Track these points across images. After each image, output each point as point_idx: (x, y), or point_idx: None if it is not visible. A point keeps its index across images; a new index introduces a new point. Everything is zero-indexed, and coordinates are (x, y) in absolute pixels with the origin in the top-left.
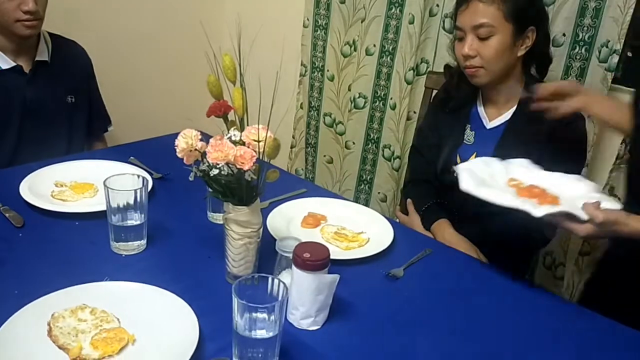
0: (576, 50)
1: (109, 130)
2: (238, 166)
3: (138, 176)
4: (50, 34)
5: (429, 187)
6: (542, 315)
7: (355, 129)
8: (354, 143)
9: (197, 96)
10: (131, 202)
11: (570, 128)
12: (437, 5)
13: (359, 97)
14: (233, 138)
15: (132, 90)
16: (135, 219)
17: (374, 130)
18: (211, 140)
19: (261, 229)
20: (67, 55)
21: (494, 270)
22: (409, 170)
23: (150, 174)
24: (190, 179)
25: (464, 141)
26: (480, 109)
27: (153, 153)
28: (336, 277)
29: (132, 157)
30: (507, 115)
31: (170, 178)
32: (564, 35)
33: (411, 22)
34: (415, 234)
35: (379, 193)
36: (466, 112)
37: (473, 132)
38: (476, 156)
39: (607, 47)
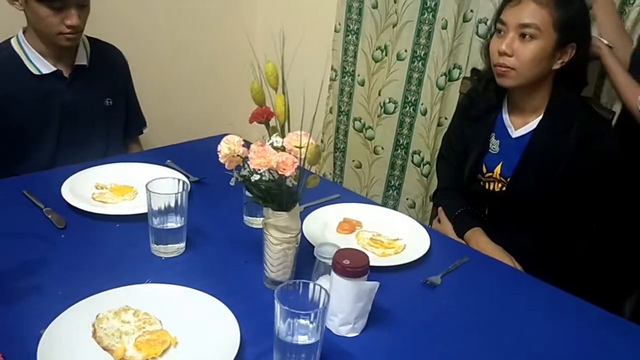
0: None
1: (143, 132)
2: (280, 172)
3: (178, 180)
4: (89, 38)
5: (458, 194)
6: (582, 326)
7: (385, 134)
8: (382, 148)
9: (231, 100)
10: (172, 205)
11: (597, 140)
12: (472, 11)
13: (389, 102)
14: (275, 144)
15: (168, 93)
16: (175, 222)
17: (404, 136)
18: (253, 146)
19: (299, 235)
20: (106, 59)
21: (532, 280)
22: (439, 176)
23: (187, 177)
24: (232, 184)
25: (490, 150)
26: (505, 117)
27: (189, 156)
28: (376, 284)
29: (169, 160)
30: (532, 125)
31: (207, 182)
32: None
33: (444, 28)
34: (451, 242)
35: (407, 199)
36: (491, 119)
37: (498, 140)
38: (502, 166)
39: None
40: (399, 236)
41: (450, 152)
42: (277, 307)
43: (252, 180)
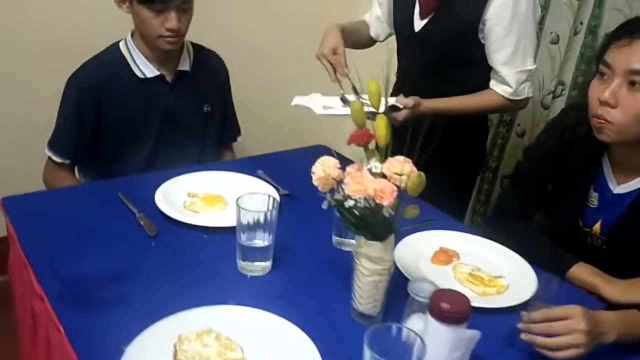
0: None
1: (237, 140)
2: (377, 201)
3: (269, 196)
4: (193, 45)
5: (530, 225)
6: None
7: None
8: None
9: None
10: (260, 222)
11: None
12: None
13: None
14: (373, 170)
15: (262, 102)
16: (263, 239)
17: (494, 159)
18: (348, 169)
19: (393, 266)
20: (207, 66)
21: None
22: (510, 197)
23: (277, 189)
24: (324, 207)
25: (588, 203)
26: (607, 169)
27: (280, 167)
28: (477, 333)
29: (260, 171)
30: (638, 183)
31: (297, 195)
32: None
33: (554, 43)
34: (561, 284)
35: None
36: (591, 171)
37: (597, 193)
38: (601, 224)
39: None
40: (501, 273)
41: (533, 176)
42: (367, 351)
43: (346, 206)
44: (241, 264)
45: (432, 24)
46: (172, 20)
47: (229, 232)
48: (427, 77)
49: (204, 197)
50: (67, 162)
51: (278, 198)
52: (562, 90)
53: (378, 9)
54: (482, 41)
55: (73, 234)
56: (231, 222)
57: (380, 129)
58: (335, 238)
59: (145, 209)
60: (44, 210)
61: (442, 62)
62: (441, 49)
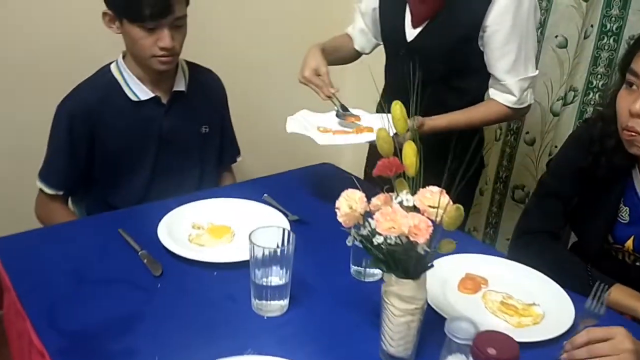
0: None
1: (237, 161)
2: (412, 238)
3: (284, 230)
4: (188, 63)
5: (560, 244)
6: None
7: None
8: (486, 183)
9: None
10: (277, 258)
11: None
12: (592, 26)
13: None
14: (405, 203)
15: (259, 120)
16: (280, 277)
17: (503, 168)
18: (375, 201)
19: (425, 304)
20: (203, 85)
21: None
22: (536, 215)
23: (286, 214)
24: (349, 244)
25: (619, 218)
26: (637, 182)
27: (286, 189)
28: None
29: (265, 195)
30: None
31: (307, 220)
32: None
33: (562, 47)
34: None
35: (507, 239)
36: (623, 184)
37: (627, 208)
38: (634, 240)
39: None
40: (534, 300)
41: (559, 191)
42: None
43: (375, 243)
44: (256, 303)
45: (426, 32)
46: (165, 38)
47: (239, 266)
48: (422, 88)
49: (209, 228)
50: (60, 193)
51: (288, 225)
52: (574, 97)
53: (361, 22)
54: (481, 49)
55: (72, 278)
56: (240, 255)
57: (409, 157)
58: (353, 268)
59: (147, 245)
60: (40, 251)
61: (438, 72)
62: (437, 58)
